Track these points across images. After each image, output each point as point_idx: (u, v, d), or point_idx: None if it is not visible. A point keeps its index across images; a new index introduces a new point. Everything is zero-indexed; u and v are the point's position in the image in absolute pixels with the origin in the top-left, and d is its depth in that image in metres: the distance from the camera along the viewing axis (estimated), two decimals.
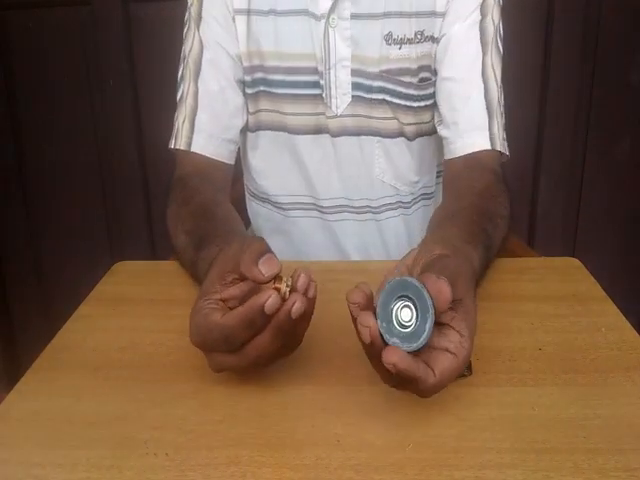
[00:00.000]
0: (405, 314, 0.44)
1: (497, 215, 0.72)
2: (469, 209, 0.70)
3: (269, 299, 0.46)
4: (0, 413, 0.52)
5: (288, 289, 0.48)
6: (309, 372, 0.56)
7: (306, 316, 0.49)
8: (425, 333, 0.44)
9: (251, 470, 0.45)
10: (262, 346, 0.48)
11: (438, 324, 0.48)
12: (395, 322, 0.44)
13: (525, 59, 1.51)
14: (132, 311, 0.67)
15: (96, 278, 0.74)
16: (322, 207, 0.94)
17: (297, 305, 0.47)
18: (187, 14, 0.88)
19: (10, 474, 0.46)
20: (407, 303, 0.45)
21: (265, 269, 0.48)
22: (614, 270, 1.68)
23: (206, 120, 0.86)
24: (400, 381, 0.46)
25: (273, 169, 0.94)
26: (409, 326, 0.44)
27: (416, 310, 0.44)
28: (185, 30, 0.88)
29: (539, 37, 1.55)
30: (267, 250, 0.49)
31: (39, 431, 0.50)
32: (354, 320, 0.46)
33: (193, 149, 0.86)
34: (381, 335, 0.44)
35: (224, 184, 0.88)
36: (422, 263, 0.53)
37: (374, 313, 0.45)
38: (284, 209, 0.96)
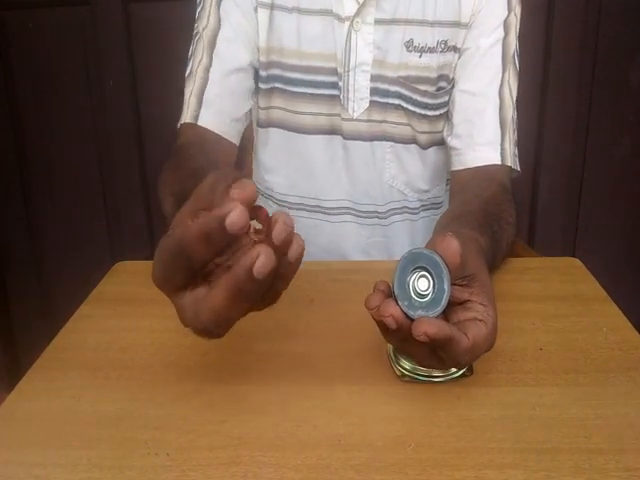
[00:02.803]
0: (422, 284, 0.45)
1: (503, 220, 0.72)
2: (475, 213, 0.70)
3: (232, 212, 0.36)
4: (0, 413, 0.52)
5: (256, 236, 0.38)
6: (311, 372, 0.56)
7: (283, 278, 0.40)
8: (445, 293, 0.45)
9: (252, 470, 0.45)
10: (216, 304, 0.39)
11: (459, 303, 0.49)
12: (415, 296, 0.45)
13: (525, 59, 1.50)
14: (132, 311, 0.67)
15: (96, 278, 0.74)
16: (325, 208, 0.93)
17: (261, 260, 0.36)
18: None
19: (11, 474, 0.46)
20: (422, 273, 0.46)
21: (236, 193, 0.37)
22: (615, 270, 1.68)
23: (216, 94, 0.84)
24: (436, 353, 0.47)
25: (281, 167, 0.94)
26: (429, 294, 0.45)
27: (432, 276, 0.45)
28: (199, 10, 0.86)
29: (539, 37, 1.55)
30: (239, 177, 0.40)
31: (40, 431, 0.50)
32: (379, 323, 0.46)
33: (200, 122, 0.83)
34: (406, 315, 0.45)
35: (225, 161, 0.84)
36: None
37: (393, 296, 0.45)
38: (288, 208, 0.96)
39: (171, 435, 0.49)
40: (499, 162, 0.83)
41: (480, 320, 0.48)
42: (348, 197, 0.93)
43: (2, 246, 1.78)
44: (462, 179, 0.85)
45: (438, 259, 0.46)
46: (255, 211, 0.39)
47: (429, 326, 0.44)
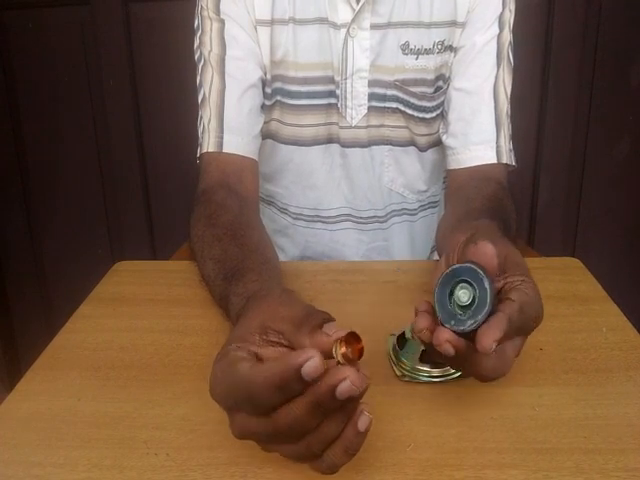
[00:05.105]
0: (463, 296, 0.44)
1: (507, 215, 0.72)
2: (480, 209, 0.70)
3: (309, 361, 0.36)
4: (0, 413, 0.52)
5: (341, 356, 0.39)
6: None
7: (347, 450, 0.39)
8: (488, 292, 0.43)
9: (252, 470, 0.45)
10: (294, 417, 0.38)
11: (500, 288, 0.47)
12: (460, 311, 0.44)
13: (525, 59, 1.51)
14: (132, 311, 0.67)
15: (96, 278, 0.74)
16: (324, 217, 0.93)
17: (345, 386, 0.36)
18: (198, 19, 0.85)
19: (10, 474, 0.46)
20: (461, 285, 0.45)
21: (332, 330, 0.39)
22: (614, 270, 1.68)
23: (236, 116, 0.82)
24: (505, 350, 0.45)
25: (280, 178, 0.94)
26: (473, 301, 0.44)
27: (469, 283, 0.44)
28: (199, 35, 0.85)
29: (539, 37, 1.55)
30: (332, 319, 0.42)
31: (39, 431, 0.50)
32: (428, 344, 0.45)
33: (225, 149, 0.81)
34: (457, 333, 0.43)
35: (254, 188, 0.83)
36: (456, 254, 0.52)
37: (438, 320, 0.44)
38: (289, 216, 0.96)
39: (170, 435, 0.49)
40: (495, 161, 0.83)
41: (522, 282, 0.47)
42: (347, 205, 0.92)
43: (2, 246, 1.78)
44: (459, 178, 0.85)
45: (474, 267, 0.44)
46: (352, 338, 0.39)
47: (494, 335, 0.41)
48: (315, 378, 0.36)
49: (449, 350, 0.43)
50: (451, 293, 0.44)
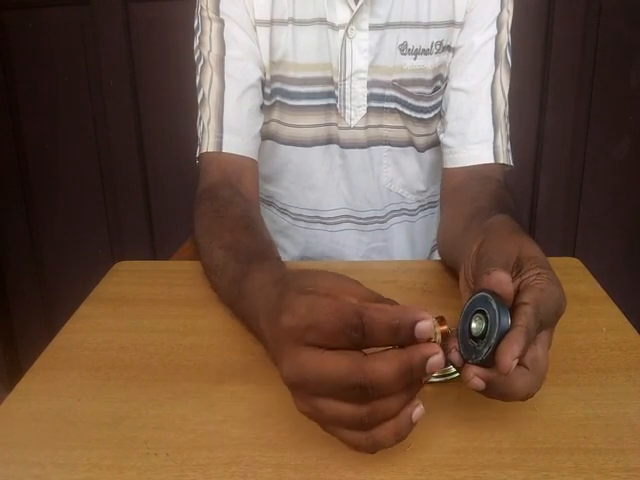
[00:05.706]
0: (476, 326, 0.44)
1: (511, 212, 0.72)
2: (486, 207, 0.69)
3: (425, 320, 0.38)
4: (0, 413, 0.52)
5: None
6: None
7: (397, 434, 0.41)
8: (496, 313, 0.43)
9: (252, 470, 0.45)
10: (384, 373, 0.38)
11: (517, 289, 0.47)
12: (478, 340, 0.44)
13: (525, 59, 1.51)
14: (132, 311, 0.67)
15: (96, 278, 0.74)
16: (324, 218, 0.93)
17: (438, 358, 0.38)
18: (197, 20, 0.85)
19: (10, 474, 0.46)
20: (476, 317, 0.44)
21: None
22: (614, 270, 1.68)
23: (236, 116, 0.82)
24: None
25: (280, 179, 0.94)
26: (486, 325, 0.43)
27: (484, 314, 0.44)
28: (198, 35, 0.85)
29: (539, 37, 1.55)
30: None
31: (39, 431, 0.50)
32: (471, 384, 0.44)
33: (225, 149, 0.81)
34: (480, 364, 0.43)
35: (254, 188, 0.84)
36: (471, 268, 0.52)
37: (462, 358, 0.44)
38: (289, 216, 0.96)
39: (170, 435, 0.49)
40: (492, 161, 0.83)
41: (537, 275, 0.46)
42: (347, 205, 0.92)
43: (2, 246, 1.78)
44: (455, 178, 0.84)
45: (483, 293, 0.44)
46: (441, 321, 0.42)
47: (514, 355, 0.41)
48: (424, 339, 0.38)
49: (479, 384, 0.43)
50: (470, 328, 0.44)
